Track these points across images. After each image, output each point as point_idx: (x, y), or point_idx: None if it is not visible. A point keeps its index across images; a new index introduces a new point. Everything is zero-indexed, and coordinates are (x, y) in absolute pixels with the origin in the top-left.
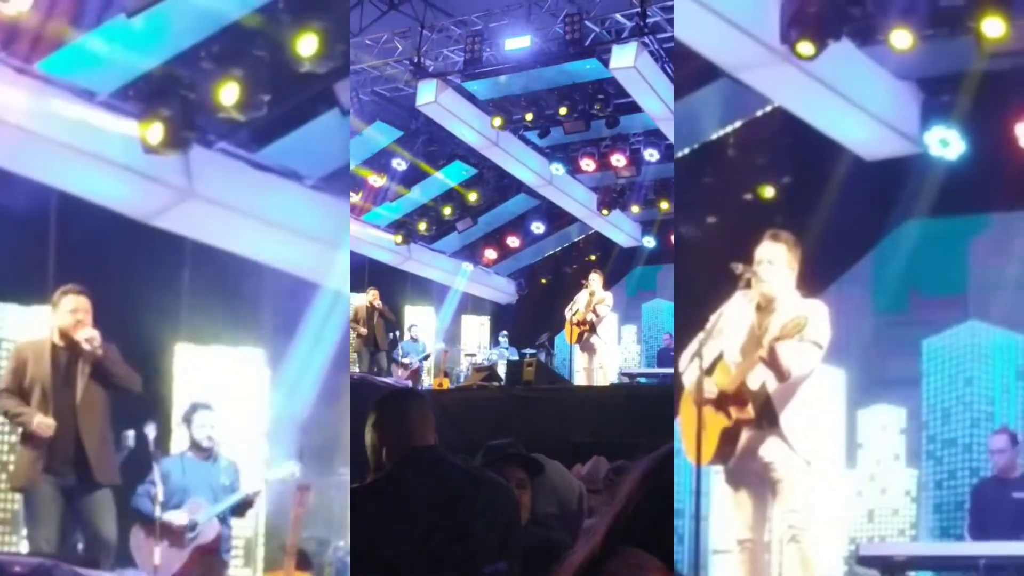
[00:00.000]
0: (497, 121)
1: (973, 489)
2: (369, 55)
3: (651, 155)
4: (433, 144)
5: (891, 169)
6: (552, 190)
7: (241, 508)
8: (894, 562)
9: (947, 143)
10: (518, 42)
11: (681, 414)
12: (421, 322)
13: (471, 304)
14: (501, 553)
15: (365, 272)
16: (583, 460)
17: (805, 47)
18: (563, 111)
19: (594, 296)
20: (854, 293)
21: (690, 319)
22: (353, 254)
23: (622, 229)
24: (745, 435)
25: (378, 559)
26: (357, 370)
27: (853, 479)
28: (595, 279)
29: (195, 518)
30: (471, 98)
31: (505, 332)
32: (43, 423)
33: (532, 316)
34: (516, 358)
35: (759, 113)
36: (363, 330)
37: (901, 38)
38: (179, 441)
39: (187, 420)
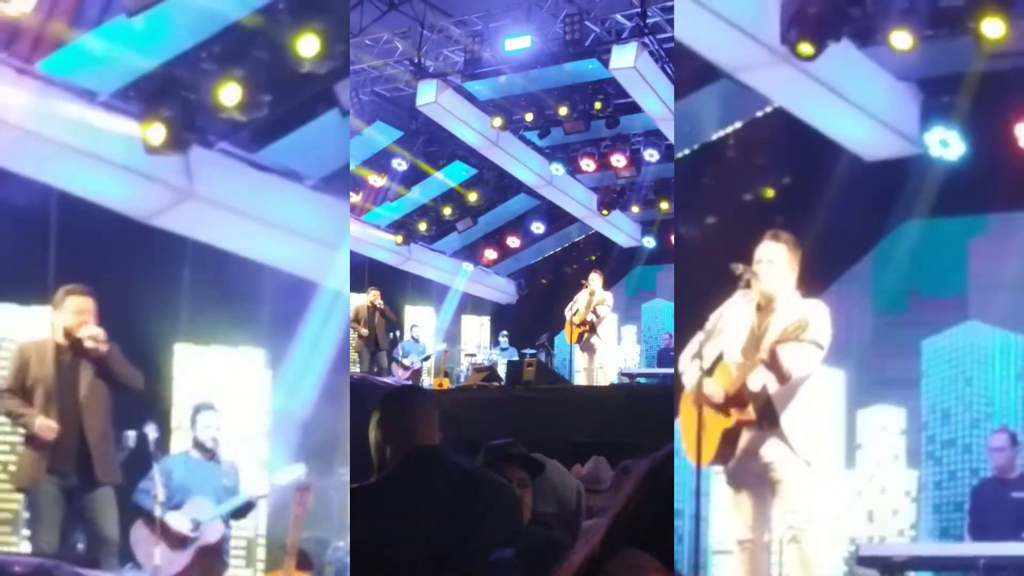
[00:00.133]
0: (497, 121)
1: (973, 489)
2: (369, 55)
3: (651, 155)
4: (433, 144)
5: (891, 170)
6: (552, 190)
7: (244, 511)
8: (894, 562)
9: (947, 144)
10: (518, 42)
11: (681, 415)
12: (421, 322)
13: (471, 304)
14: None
15: (365, 272)
16: (583, 460)
17: (805, 48)
18: (563, 111)
19: (594, 296)
20: (854, 293)
21: (690, 319)
22: (353, 254)
23: (622, 229)
24: (745, 436)
25: (381, 560)
26: (357, 370)
27: (853, 479)
28: (595, 279)
29: (198, 518)
30: (471, 98)
31: (505, 332)
32: (45, 425)
33: (532, 316)
34: (516, 358)
35: (759, 114)
36: (364, 331)
37: (901, 39)
38: (180, 441)
39: (192, 421)
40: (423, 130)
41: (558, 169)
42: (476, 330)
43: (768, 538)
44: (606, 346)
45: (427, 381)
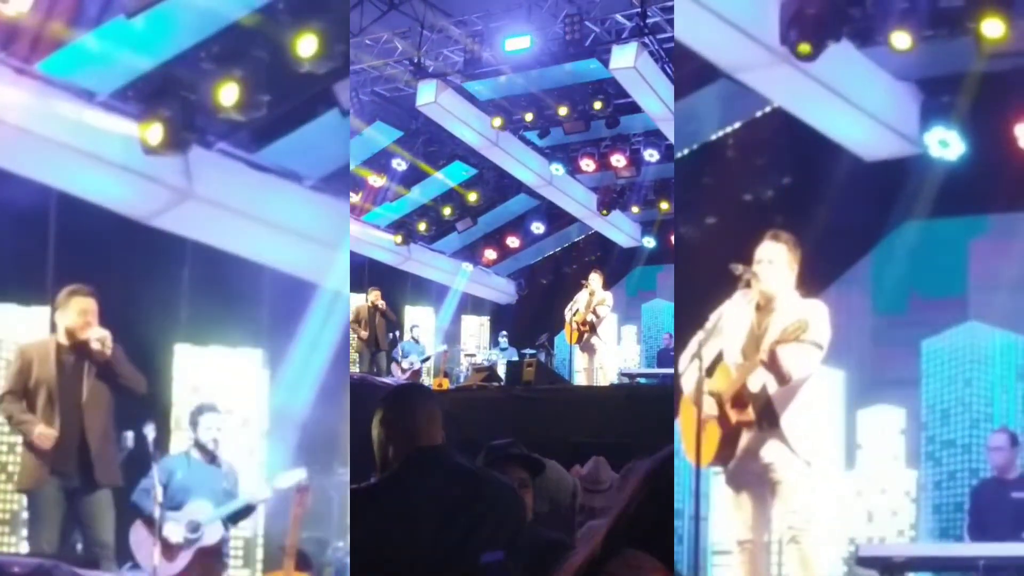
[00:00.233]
0: (497, 121)
1: (972, 490)
2: (369, 55)
3: (651, 155)
4: (433, 144)
5: (891, 170)
6: (552, 190)
7: (243, 514)
8: (893, 563)
9: (947, 144)
10: (518, 42)
11: (681, 415)
12: (421, 322)
13: (471, 304)
14: (506, 553)
15: (365, 272)
16: (583, 460)
17: (805, 48)
18: (563, 111)
19: (594, 296)
20: (853, 294)
21: (690, 319)
22: (353, 254)
23: (622, 229)
24: (745, 437)
25: (383, 561)
26: (357, 370)
27: (852, 480)
28: (595, 279)
29: (197, 520)
30: (471, 98)
31: (505, 332)
32: (43, 434)
33: (532, 316)
34: (516, 358)
35: (759, 114)
36: (364, 332)
37: (901, 39)
38: (179, 442)
39: (193, 422)
40: (423, 130)
41: (558, 169)
42: (476, 330)
43: (768, 538)
44: (606, 346)
45: (426, 381)
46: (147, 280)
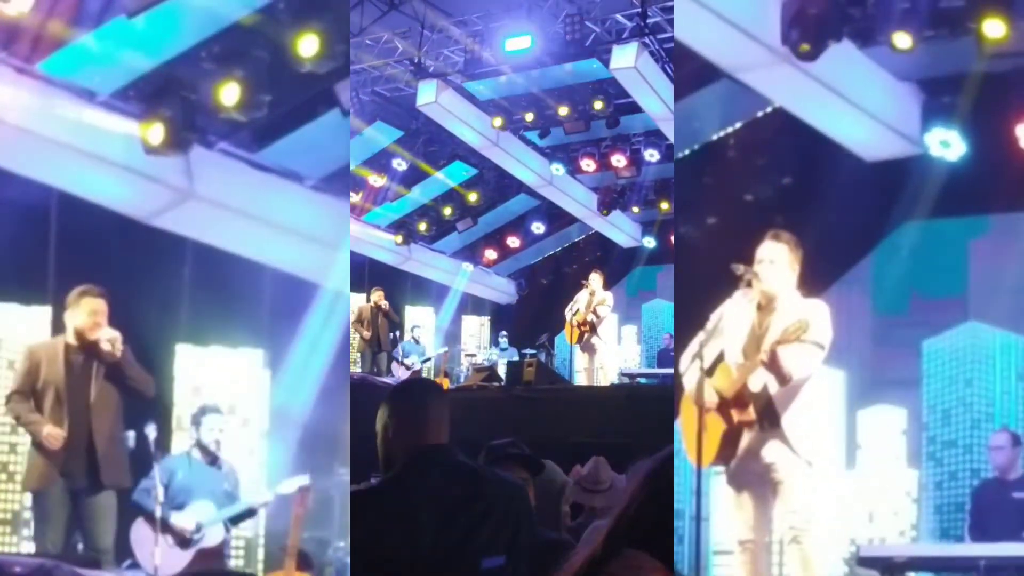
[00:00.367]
0: (497, 121)
1: (974, 490)
2: (369, 55)
3: (651, 155)
4: (433, 144)
5: (891, 170)
6: (552, 190)
7: (245, 516)
8: (894, 563)
9: (947, 144)
10: (518, 42)
11: (682, 415)
12: (421, 322)
13: (471, 304)
14: (510, 552)
15: (365, 272)
16: (583, 460)
17: (806, 48)
18: (563, 111)
19: (594, 296)
20: (854, 294)
21: (690, 320)
22: (353, 254)
23: (622, 229)
24: (746, 437)
25: (385, 562)
26: (358, 370)
27: (853, 480)
28: (595, 279)
29: (200, 521)
30: (471, 98)
31: (505, 332)
32: (52, 434)
33: (532, 316)
34: (516, 358)
35: (760, 114)
36: (367, 333)
37: (902, 39)
38: (180, 442)
39: (196, 423)
40: (423, 130)
41: (558, 169)
42: (476, 330)
43: (769, 539)
44: (606, 346)
45: None
46: (148, 280)
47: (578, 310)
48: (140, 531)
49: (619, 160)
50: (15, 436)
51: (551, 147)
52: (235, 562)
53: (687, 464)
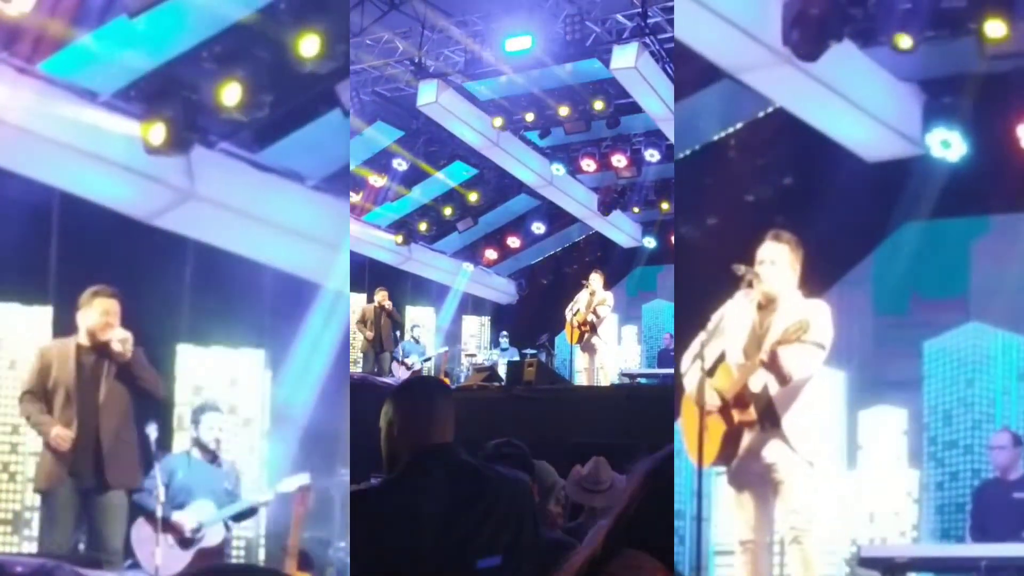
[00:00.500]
0: (498, 121)
1: (975, 491)
2: (370, 55)
3: (652, 155)
4: (434, 144)
5: (892, 170)
6: (553, 190)
7: (245, 515)
8: (895, 563)
9: (949, 144)
10: (519, 42)
11: (683, 416)
12: (422, 322)
13: (472, 304)
14: (512, 551)
15: (366, 272)
16: (583, 460)
17: (807, 48)
18: (564, 111)
19: (595, 296)
20: (855, 295)
21: (690, 320)
22: (354, 254)
23: (623, 229)
24: (747, 437)
25: (387, 564)
26: (360, 370)
27: (854, 481)
28: (596, 279)
29: (200, 519)
30: (472, 98)
31: (505, 332)
32: (59, 435)
33: (532, 316)
34: (517, 358)
35: (760, 114)
36: (369, 334)
37: (903, 39)
38: (181, 442)
39: (195, 421)
40: (424, 130)
41: (559, 169)
42: (476, 330)
43: (770, 539)
44: (607, 346)
45: None
46: (149, 280)
47: (578, 310)
48: (141, 531)
49: (619, 160)
50: (16, 436)
51: (551, 147)
52: (236, 562)
53: (688, 464)
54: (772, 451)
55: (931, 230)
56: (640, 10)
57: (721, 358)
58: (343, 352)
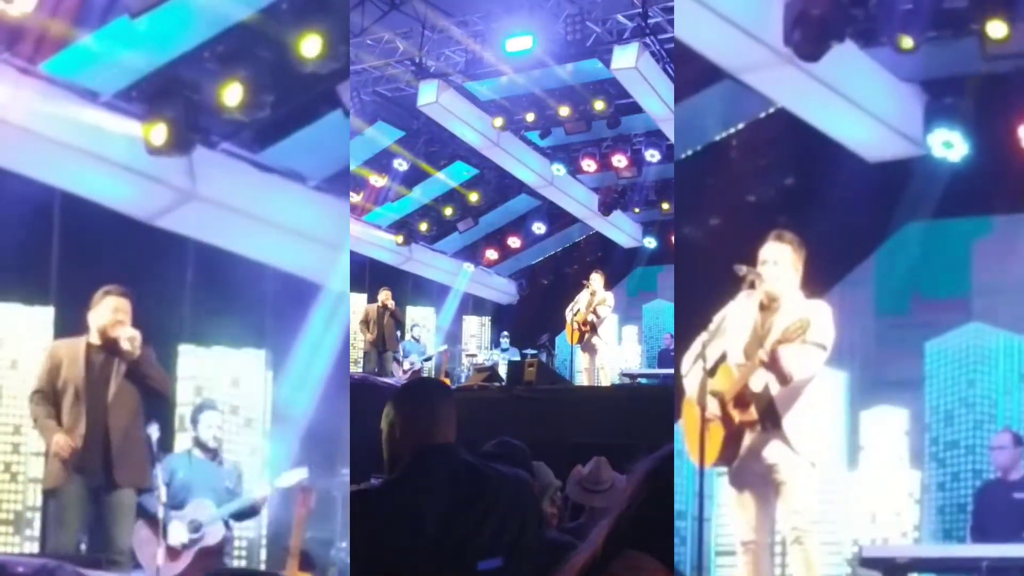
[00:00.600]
0: (498, 121)
1: (976, 491)
2: (370, 55)
3: (652, 156)
4: (434, 144)
5: (894, 171)
6: (553, 191)
7: (247, 513)
8: (897, 564)
9: (950, 145)
10: (519, 43)
11: (684, 416)
12: (422, 322)
13: (472, 304)
14: (513, 551)
15: (366, 272)
16: (583, 460)
17: (808, 49)
18: (564, 111)
19: (595, 296)
20: (857, 295)
21: (690, 320)
22: (354, 254)
23: (623, 230)
24: (748, 437)
25: (388, 564)
26: (360, 371)
27: (856, 481)
28: (596, 279)
29: (199, 519)
30: (472, 98)
31: (506, 333)
32: (60, 443)
33: (533, 317)
34: (517, 359)
35: (762, 115)
36: (371, 335)
37: (904, 40)
38: (182, 442)
39: (194, 420)
40: (424, 130)
41: (559, 169)
42: (477, 330)
43: (771, 539)
44: (607, 346)
45: None
46: (151, 280)
47: (579, 310)
48: (141, 531)
49: (620, 160)
50: (18, 436)
51: (552, 147)
52: (237, 563)
53: (689, 465)
54: (773, 451)
55: (933, 230)
56: (641, 10)
57: (722, 358)
58: (344, 352)
